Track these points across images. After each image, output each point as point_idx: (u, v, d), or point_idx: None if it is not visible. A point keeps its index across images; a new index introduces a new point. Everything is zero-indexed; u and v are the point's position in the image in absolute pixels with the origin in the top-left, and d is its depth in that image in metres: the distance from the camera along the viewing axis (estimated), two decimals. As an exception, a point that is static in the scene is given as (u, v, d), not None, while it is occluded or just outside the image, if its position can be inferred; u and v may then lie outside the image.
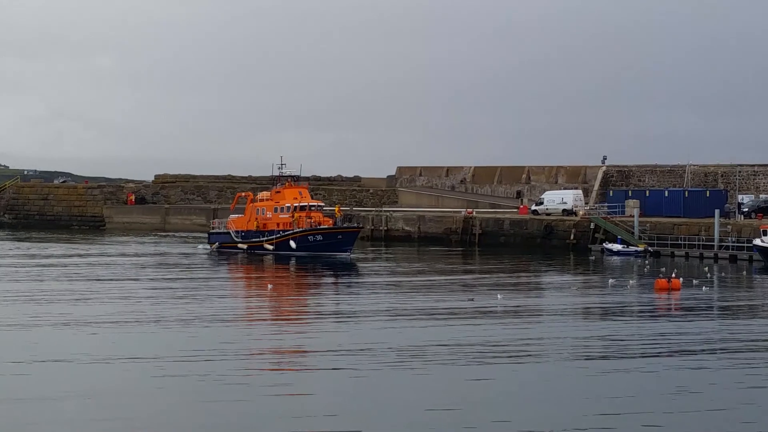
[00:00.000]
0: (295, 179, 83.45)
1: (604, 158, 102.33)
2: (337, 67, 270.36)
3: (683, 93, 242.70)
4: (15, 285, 52.76)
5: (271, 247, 78.27)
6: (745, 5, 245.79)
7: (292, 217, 78.73)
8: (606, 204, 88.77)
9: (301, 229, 77.48)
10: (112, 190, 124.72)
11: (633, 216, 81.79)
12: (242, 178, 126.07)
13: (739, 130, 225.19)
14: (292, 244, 77.01)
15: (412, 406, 24.94)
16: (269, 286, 53.67)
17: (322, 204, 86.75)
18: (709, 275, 61.81)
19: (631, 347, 34.22)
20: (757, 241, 69.48)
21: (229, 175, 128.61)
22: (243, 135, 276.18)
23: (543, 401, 25.60)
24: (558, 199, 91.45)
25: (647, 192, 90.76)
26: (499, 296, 47.72)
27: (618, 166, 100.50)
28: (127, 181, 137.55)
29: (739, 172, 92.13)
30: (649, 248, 77.09)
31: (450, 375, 28.92)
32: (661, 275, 56.77)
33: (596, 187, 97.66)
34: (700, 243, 75.39)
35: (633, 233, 79.85)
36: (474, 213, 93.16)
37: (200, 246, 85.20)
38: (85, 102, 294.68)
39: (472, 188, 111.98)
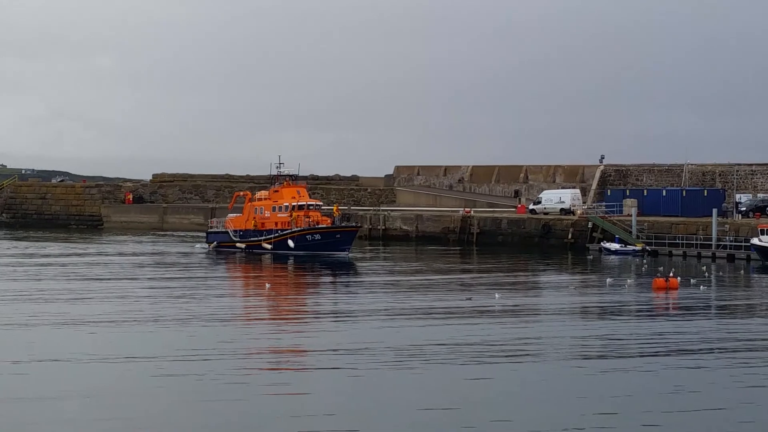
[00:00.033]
0: (294, 178, 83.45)
1: (602, 157, 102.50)
2: (337, 67, 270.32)
3: (683, 93, 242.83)
4: (13, 284, 52.73)
5: (269, 247, 78.27)
6: (745, 5, 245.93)
7: (291, 216, 78.74)
8: (604, 203, 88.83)
9: (299, 229, 77.48)
10: (109, 189, 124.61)
11: (631, 215, 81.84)
12: (240, 177, 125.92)
13: (738, 130, 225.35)
14: (291, 243, 77.00)
15: (410, 405, 24.95)
16: (267, 286, 53.69)
17: (321, 203, 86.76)
18: (706, 274, 61.84)
19: (629, 346, 34.26)
20: (755, 240, 69.54)
21: (227, 175, 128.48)
22: (243, 135, 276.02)
23: (541, 400, 25.63)
24: (556, 198, 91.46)
25: (645, 191, 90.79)
26: (497, 295, 47.76)
27: (616, 166, 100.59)
28: (125, 180, 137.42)
29: (737, 171, 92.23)
30: (647, 247, 77.12)
31: (448, 374, 28.93)
32: (658, 274, 56.83)
33: (594, 186, 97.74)
34: (698, 242, 75.43)
35: (631, 232, 79.88)
36: (472, 212, 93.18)
37: (198, 245, 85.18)
38: (85, 102, 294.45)
39: (469, 187, 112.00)
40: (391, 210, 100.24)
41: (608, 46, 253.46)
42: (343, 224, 78.86)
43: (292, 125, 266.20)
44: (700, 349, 33.87)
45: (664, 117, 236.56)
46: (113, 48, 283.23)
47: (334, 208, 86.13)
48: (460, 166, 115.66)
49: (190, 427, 22.93)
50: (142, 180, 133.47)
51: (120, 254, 76.96)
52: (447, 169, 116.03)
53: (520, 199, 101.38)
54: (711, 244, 74.63)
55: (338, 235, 76.35)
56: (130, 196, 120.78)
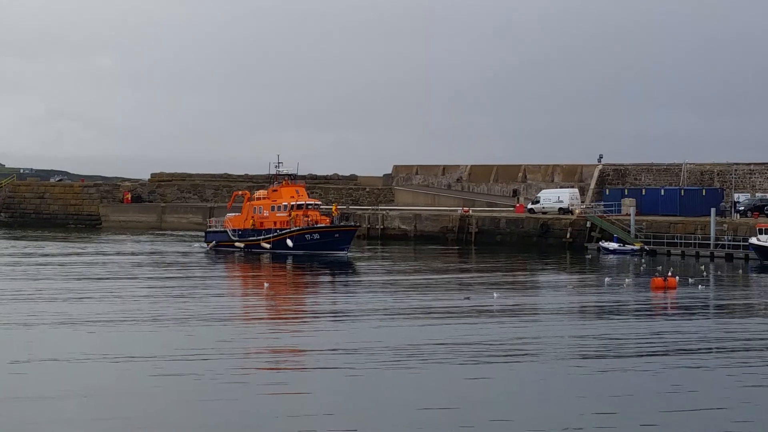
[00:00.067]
0: (292, 178, 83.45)
1: (600, 157, 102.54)
2: (337, 67, 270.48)
3: (683, 93, 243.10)
4: (11, 284, 52.72)
5: (268, 246, 78.27)
6: (745, 5, 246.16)
7: (289, 215, 78.74)
8: (602, 203, 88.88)
9: (298, 228, 77.47)
10: (108, 188, 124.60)
11: (629, 214, 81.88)
12: (239, 176, 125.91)
13: (738, 130, 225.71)
14: (289, 242, 77.00)
15: (408, 405, 24.95)
16: (266, 285, 53.68)
17: (319, 203, 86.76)
18: (705, 274, 61.85)
19: (627, 346, 34.27)
20: (753, 240, 69.60)
21: (225, 174, 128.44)
22: (243, 135, 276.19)
23: (540, 400, 25.64)
24: (554, 197, 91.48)
25: (643, 191, 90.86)
26: (495, 295, 47.78)
27: (614, 165, 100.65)
28: (124, 179, 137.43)
29: (736, 170, 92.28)
30: (646, 247, 77.18)
31: (446, 374, 28.94)
32: (657, 274, 56.85)
33: (592, 185, 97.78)
34: (696, 242, 75.48)
35: (629, 232, 79.93)
36: (470, 212, 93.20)
37: (196, 245, 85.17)
38: (85, 102, 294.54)
39: (468, 187, 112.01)
40: (390, 209, 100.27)
41: (608, 46, 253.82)
42: (341, 224, 78.90)
43: (292, 125, 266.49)
44: (699, 349, 33.89)
45: (664, 117, 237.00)
46: (113, 48, 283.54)
47: (333, 207, 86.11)
48: (458, 166, 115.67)
49: (189, 427, 22.93)
50: (140, 179, 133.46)
51: (118, 254, 76.94)
52: (445, 169, 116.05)
53: (518, 198, 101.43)
54: (709, 244, 74.68)
55: (337, 235, 76.36)
56: (129, 196, 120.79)
